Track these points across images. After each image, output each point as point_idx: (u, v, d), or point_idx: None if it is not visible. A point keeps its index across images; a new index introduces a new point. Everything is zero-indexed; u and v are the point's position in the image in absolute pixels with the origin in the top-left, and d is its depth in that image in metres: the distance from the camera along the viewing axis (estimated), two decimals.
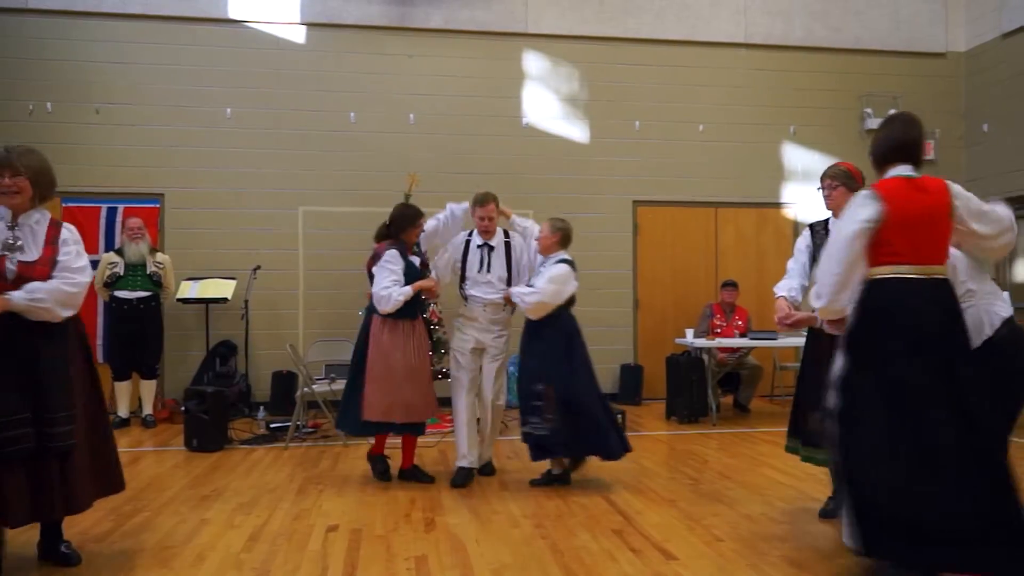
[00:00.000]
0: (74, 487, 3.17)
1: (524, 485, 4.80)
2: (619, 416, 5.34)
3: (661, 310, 8.70)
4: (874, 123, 8.94)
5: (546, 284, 4.63)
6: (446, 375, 5.58)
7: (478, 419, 4.99)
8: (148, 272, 6.92)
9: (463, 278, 4.90)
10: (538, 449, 4.62)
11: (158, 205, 7.91)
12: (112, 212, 7.76)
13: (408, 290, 4.66)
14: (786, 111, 8.92)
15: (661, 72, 8.73)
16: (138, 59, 7.90)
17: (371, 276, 4.92)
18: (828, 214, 4.06)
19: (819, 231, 4.08)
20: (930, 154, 9.05)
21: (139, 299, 6.87)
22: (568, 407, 4.50)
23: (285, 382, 7.63)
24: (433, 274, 4.96)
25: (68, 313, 3.18)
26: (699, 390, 7.13)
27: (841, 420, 2.87)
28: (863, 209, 2.91)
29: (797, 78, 8.96)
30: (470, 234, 4.95)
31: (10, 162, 3.18)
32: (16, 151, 3.22)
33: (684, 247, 8.82)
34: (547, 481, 4.79)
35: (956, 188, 2.98)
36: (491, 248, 4.90)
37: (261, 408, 7.38)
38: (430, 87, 8.34)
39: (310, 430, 6.56)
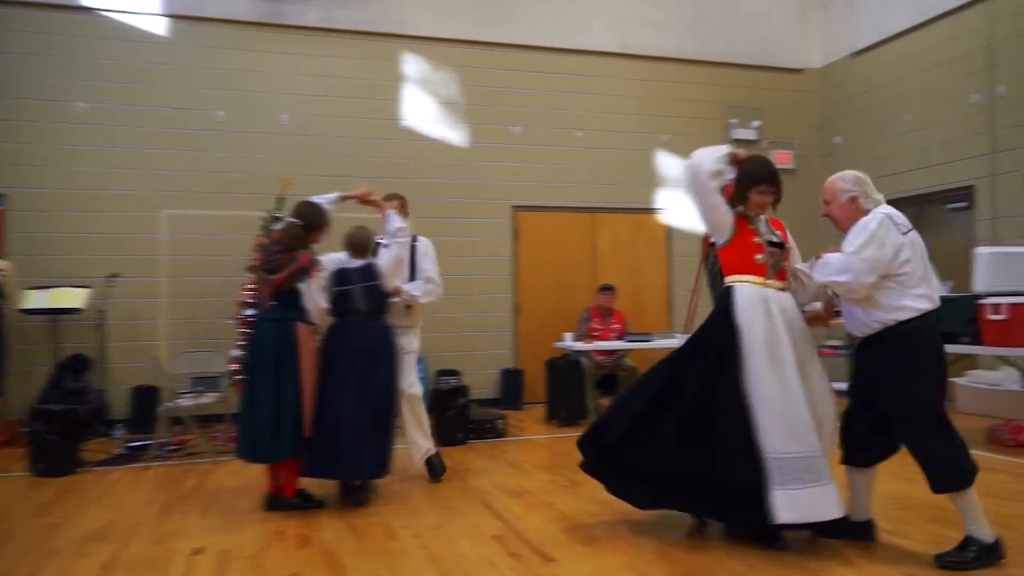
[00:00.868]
0: None
1: (403, 495, 4.74)
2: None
3: (541, 314, 8.83)
4: (740, 133, 9.46)
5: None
6: None
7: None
8: None
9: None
10: None
11: (1, 207, 7.31)
12: None
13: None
14: (660, 120, 9.27)
15: (541, 79, 8.87)
16: None
17: (293, 289, 4.52)
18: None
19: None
20: (789, 164, 9.65)
21: None
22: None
23: (146, 397, 7.20)
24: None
25: None
26: (578, 393, 7.28)
27: None
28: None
29: (670, 88, 9.34)
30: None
31: None
32: None
33: (563, 252, 8.99)
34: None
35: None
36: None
37: (119, 426, 6.93)
38: (305, 87, 8.13)
39: (174, 448, 6.22)
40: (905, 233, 3.39)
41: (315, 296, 4.43)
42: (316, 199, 4.62)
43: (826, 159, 9.53)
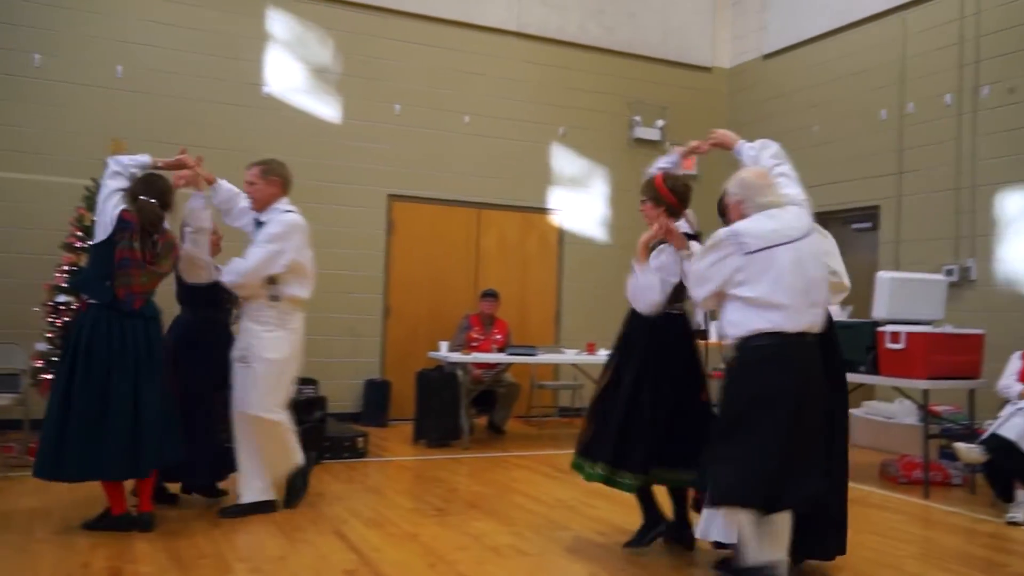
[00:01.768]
0: None
1: (244, 521, 4.54)
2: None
3: (414, 319, 8.74)
4: (643, 132, 9.73)
5: None
6: None
7: None
8: None
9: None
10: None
11: None
12: None
13: None
14: (556, 110, 9.40)
15: (428, 53, 8.81)
16: None
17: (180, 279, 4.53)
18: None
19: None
20: (693, 169, 9.99)
21: None
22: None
23: None
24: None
25: None
26: (451, 410, 7.24)
27: None
28: None
29: (569, 76, 9.48)
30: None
31: None
32: None
33: (443, 250, 8.95)
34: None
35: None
36: (260, 224, 4.65)
37: None
38: (147, 35, 7.72)
39: None
40: (757, 250, 3.45)
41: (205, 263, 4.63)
42: (131, 163, 4.39)
43: (732, 166, 9.92)
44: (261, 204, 4.63)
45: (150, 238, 4.24)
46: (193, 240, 4.62)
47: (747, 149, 4.04)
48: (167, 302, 4.63)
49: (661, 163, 4.31)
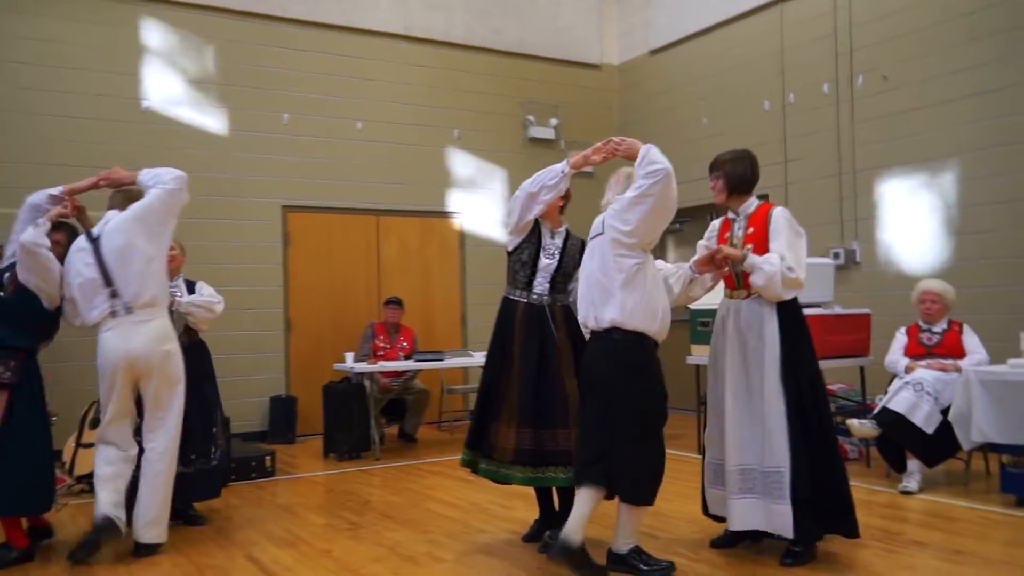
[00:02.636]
0: None
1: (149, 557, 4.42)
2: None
3: (317, 332, 8.64)
4: (537, 131, 9.86)
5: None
6: None
7: None
8: None
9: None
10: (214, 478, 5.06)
11: None
12: None
13: None
14: (450, 113, 9.43)
15: (314, 59, 8.71)
16: None
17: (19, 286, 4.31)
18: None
19: (536, 230, 4.42)
20: (590, 168, 10.18)
21: None
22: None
23: None
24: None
25: None
26: (361, 421, 7.20)
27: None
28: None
29: (460, 78, 9.53)
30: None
31: None
32: None
33: (342, 260, 8.88)
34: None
35: None
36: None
37: None
38: (17, 52, 7.38)
39: None
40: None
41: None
42: (37, 200, 4.47)
43: (626, 163, 10.15)
44: None
45: None
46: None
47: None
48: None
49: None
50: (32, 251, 4.18)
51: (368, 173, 8.95)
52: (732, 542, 4.18)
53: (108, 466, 4.32)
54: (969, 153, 6.95)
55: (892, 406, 5.40)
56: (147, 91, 7.94)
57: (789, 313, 3.91)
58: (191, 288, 5.16)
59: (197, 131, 8.15)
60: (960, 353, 5.66)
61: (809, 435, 3.80)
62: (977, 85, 6.88)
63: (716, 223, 4.28)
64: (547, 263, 4.27)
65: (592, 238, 3.93)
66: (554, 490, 4.34)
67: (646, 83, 10.21)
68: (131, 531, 4.35)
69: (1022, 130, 6.63)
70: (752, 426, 3.88)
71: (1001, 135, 6.74)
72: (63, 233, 4.49)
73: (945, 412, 5.27)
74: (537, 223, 4.34)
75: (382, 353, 7.81)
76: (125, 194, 4.54)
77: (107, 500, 4.26)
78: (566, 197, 4.42)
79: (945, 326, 5.82)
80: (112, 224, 4.37)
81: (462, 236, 9.55)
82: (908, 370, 5.65)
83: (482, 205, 9.66)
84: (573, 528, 3.57)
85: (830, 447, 3.88)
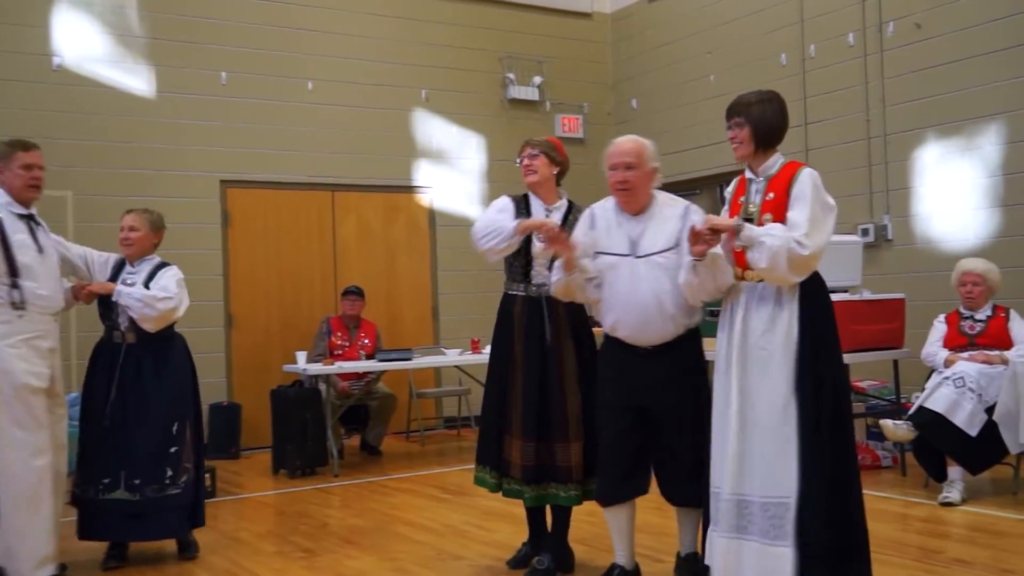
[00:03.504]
0: None
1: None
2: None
3: (264, 328, 8.61)
4: (519, 92, 9.84)
5: (179, 288, 4.78)
6: None
7: None
8: None
9: (14, 271, 4.29)
10: (174, 514, 4.75)
11: None
12: None
13: None
14: (416, 71, 9.38)
15: (256, 9, 8.64)
16: None
17: None
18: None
19: (522, 212, 4.32)
20: (578, 132, 10.18)
21: None
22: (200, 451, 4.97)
23: None
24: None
25: None
26: (316, 431, 7.18)
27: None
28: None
29: (428, 30, 9.48)
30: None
31: None
32: None
33: (292, 243, 8.84)
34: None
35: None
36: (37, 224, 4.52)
37: None
38: None
39: None
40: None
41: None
42: None
43: (621, 126, 10.18)
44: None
45: None
46: None
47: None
48: None
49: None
50: None
51: (321, 142, 8.90)
52: None
53: None
54: (1016, 112, 6.98)
55: (930, 405, 5.44)
56: (58, 46, 7.85)
57: (811, 298, 3.49)
58: (153, 276, 4.85)
59: (119, 94, 8.07)
60: (1007, 343, 5.70)
61: (827, 457, 3.37)
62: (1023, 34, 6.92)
63: (732, 185, 3.83)
64: (541, 247, 4.20)
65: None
66: (547, 509, 4.34)
67: (644, 34, 10.19)
68: None
69: None
70: (758, 444, 3.44)
71: None
72: None
73: (990, 411, 5.32)
74: (527, 202, 4.32)
75: (340, 352, 7.78)
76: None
77: None
78: (563, 167, 4.37)
79: (989, 312, 5.87)
80: None
81: (432, 214, 9.52)
82: (948, 363, 5.69)
83: (455, 178, 9.63)
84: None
85: (851, 474, 3.47)
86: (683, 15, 9.72)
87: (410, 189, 9.44)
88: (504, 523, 5.22)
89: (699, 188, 9.31)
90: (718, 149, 8.98)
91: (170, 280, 4.76)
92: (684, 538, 3.98)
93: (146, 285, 4.71)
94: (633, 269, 3.77)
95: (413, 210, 9.48)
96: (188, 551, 4.87)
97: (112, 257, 4.86)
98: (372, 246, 9.25)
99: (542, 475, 4.12)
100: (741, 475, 3.43)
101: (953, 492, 5.43)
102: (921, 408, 5.49)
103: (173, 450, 4.71)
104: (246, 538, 5.34)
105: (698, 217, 3.74)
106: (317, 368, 7.21)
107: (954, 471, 5.50)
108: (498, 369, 4.33)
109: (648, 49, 10.12)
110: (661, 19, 10.00)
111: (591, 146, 10.16)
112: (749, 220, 3.49)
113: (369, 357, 7.75)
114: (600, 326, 4.01)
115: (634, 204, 3.84)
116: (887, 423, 5.59)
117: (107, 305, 4.73)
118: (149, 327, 4.70)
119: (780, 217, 3.46)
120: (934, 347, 5.92)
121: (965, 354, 5.69)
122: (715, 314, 6.26)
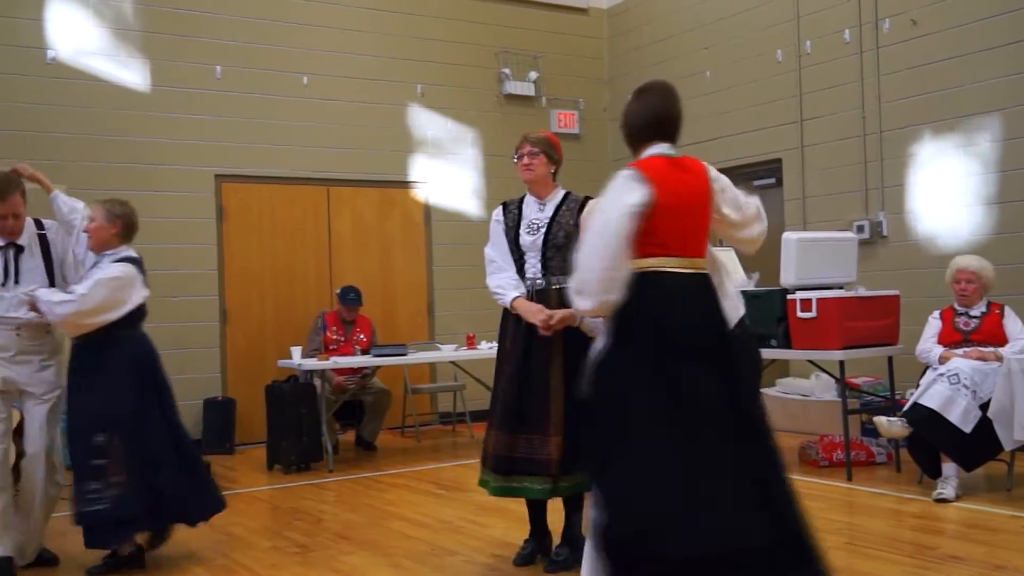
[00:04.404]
0: None
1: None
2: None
3: (258, 323, 8.60)
4: (514, 87, 9.83)
5: (91, 289, 4.37)
6: None
7: (17, 488, 4.59)
8: None
9: None
10: (102, 529, 4.36)
11: None
12: None
13: None
14: (412, 66, 9.37)
15: (251, 3, 8.62)
16: None
17: None
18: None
19: (512, 211, 4.44)
20: (574, 128, 10.18)
21: None
22: (144, 461, 4.41)
23: None
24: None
25: None
26: (311, 427, 7.18)
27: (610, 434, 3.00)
28: (629, 193, 3.07)
29: (424, 24, 9.47)
30: None
31: None
32: None
33: (287, 238, 8.83)
34: (112, 567, 4.51)
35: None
36: (19, 249, 4.59)
37: None
38: None
39: None
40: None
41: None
42: None
43: (616, 122, 10.14)
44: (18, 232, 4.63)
45: None
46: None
47: None
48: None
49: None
50: None
51: (316, 137, 8.89)
52: None
53: None
54: (1011, 109, 6.99)
55: (924, 401, 5.45)
56: (52, 40, 7.83)
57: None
58: None
59: (113, 87, 8.05)
60: (1001, 340, 5.71)
61: None
62: (1019, 31, 6.91)
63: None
64: (530, 239, 4.27)
65: None
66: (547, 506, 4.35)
67: (639, 30, 10.19)
68: None
69: None
70: None
71: None
72: None
73: (985, 407, 5.33)
74: (520, 204, 4.43)
75: (335, 347, 7.78)
76: None
77: None
78: (558, 163, 4.40)
79: (984, 309, 5.88)
80: None
81: (427, 209, 9.52)
82: (943, 360, 5.70)
83: (450, 173, 9.62)
84: None
85: None
86: (679, 11, 9.72)
87: (405, 184, 9.43)
88: (499, 519, 5.23)
89: None
90: (716, 145, 9.00)
91: (93, 279, 4.41)
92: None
93: None
94: None
95: (408, 205, 9.47)
96: (154, 545, 4.73)
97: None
98: (367, 241, 9.24)
99: (513, 467, 4.11)
100: None
101: (947, 488, 5.44)
102: (916, 404, 5.50)
103: (97, 463, 4.35)
104: (240, 533, 5.35)
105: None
106: (312, 363, 7.22)
107: (948, 467, 5.51)
108: (497, 366, 4.38)
109: (644, 45, 10.12)
110: (657, 15, 10.00)
111: (587, 142, 10.18)
112: None
113: (364, 352, 7.74)
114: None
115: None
116: (881, 420, 5.60)
117: None
118: (68, 332, 4.52)
119: None
120: (929, 343, 5.93)
121: (960, 351, 5.70)
122: None
